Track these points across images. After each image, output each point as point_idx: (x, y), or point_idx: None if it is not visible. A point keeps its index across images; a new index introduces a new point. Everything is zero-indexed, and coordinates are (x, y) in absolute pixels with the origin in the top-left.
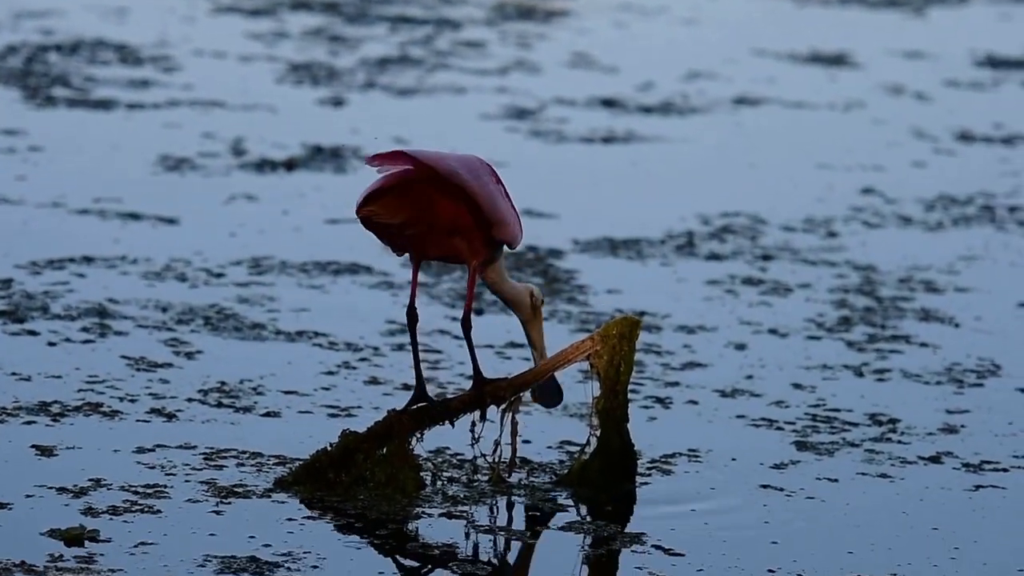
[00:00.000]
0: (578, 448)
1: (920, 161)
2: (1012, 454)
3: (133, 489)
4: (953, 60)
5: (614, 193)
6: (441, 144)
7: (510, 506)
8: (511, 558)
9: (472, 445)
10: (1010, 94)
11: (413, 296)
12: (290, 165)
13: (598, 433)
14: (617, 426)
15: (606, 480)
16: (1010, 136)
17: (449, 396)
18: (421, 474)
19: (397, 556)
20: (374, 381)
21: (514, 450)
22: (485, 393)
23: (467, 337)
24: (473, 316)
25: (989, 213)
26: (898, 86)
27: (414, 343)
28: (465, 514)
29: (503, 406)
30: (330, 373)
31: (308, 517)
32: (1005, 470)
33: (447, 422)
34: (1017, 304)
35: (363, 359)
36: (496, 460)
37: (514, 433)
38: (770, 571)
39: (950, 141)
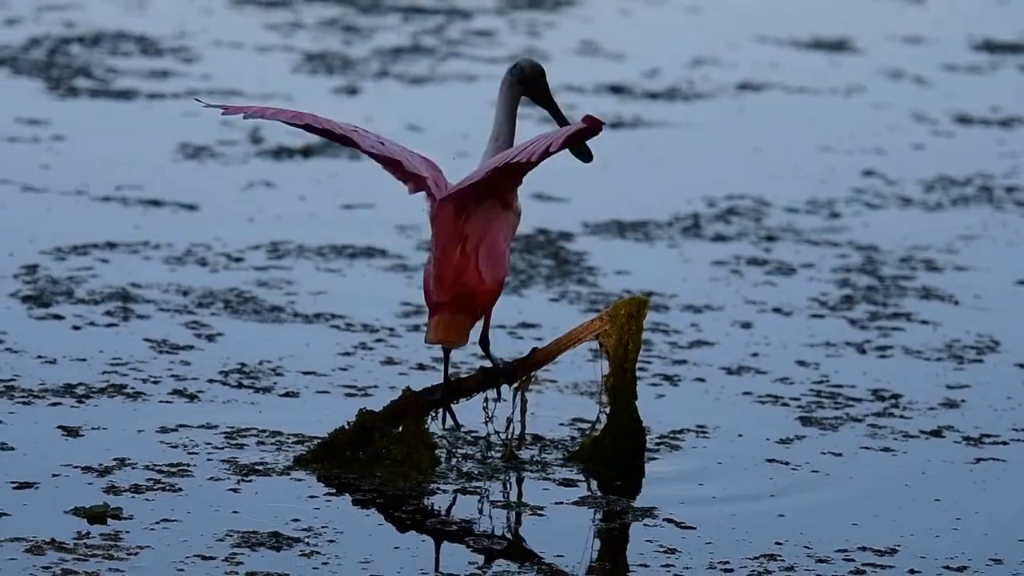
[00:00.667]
0: (588, 425)
1: (920, 144)
2: (1011, 427)
3: (157, 468)
4: (951, 45)
5: (622, 177)
6: (452, 129)
7: (522, 482)
8: (525, 533)
9: (486, 423)
10: (1007, 77)
11: None
12: (306, 152)
13: (608, 410)
14: (626, 403)
15: (616, 456)
16: (1007, 118)
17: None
18: (436, 452)
19: (413, 531)
20: (390, 361)
21: (523, 428)
22: (498, 372)
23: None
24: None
25: (987, 193)
26: (898, 71)
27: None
28: (479, 490)
29: (515, 385)
30: (347, 354)
31: (326, 494)
32: (1005, 443)
33: (459, 401)
34: (1015, 282)
35: (379, 340)
36: (509, 438)
37: (523, 411)
38: (777, 543)
39: (949, 124)
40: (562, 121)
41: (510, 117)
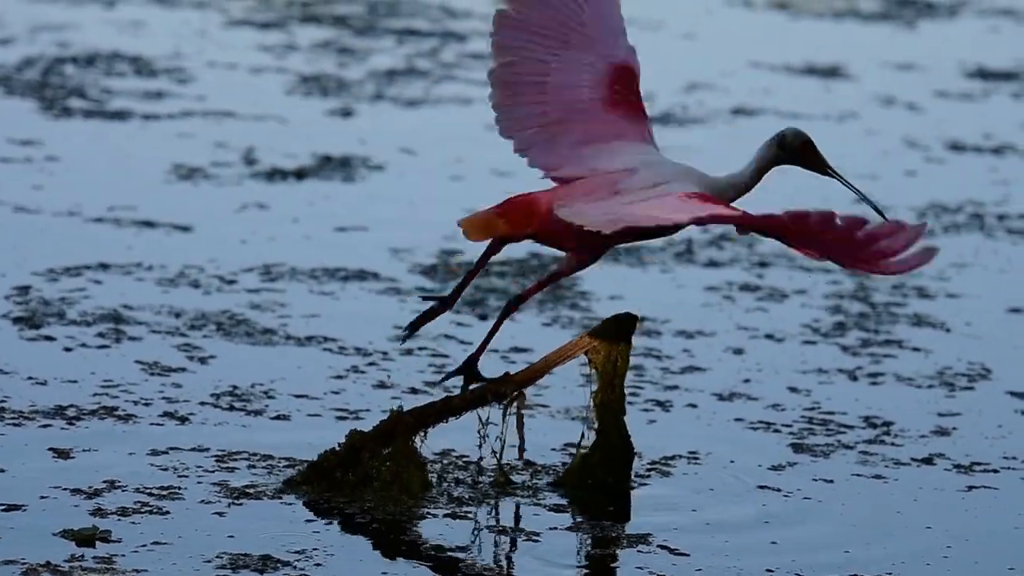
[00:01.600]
0: (579, 447)
1: (912, 170)
2: (1002, 455)
3: (147, 491)
4: (944, 72)
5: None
6: (446, 151)
7: (514, 507)
8: (517, 559)
9: (479, 446)
10: (999, 105)
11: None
12: (299, 174)
13: (596, 427)
14: (615, 420)
15: (606, 473)
16: (999, 146)
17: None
18: (427, 473)
19: (403, 557)
20: (382, 385)
21: (522, 443)
22: (487, 391)
23: (503, 315)
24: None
25: (979, 221)
26: (890, 97)
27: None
28: (470, 515)
29: (505, 403)
30: (339, 377)
31: (317, 517)
32: (995, 471)
33: (450, 419)
34: (1006, 309)
35: (371, 363)
36: (500, 459)
37: (520, 426)
38: (768, 571)
39: (941, 151)
40: (850, 189)
41: (757, 173)
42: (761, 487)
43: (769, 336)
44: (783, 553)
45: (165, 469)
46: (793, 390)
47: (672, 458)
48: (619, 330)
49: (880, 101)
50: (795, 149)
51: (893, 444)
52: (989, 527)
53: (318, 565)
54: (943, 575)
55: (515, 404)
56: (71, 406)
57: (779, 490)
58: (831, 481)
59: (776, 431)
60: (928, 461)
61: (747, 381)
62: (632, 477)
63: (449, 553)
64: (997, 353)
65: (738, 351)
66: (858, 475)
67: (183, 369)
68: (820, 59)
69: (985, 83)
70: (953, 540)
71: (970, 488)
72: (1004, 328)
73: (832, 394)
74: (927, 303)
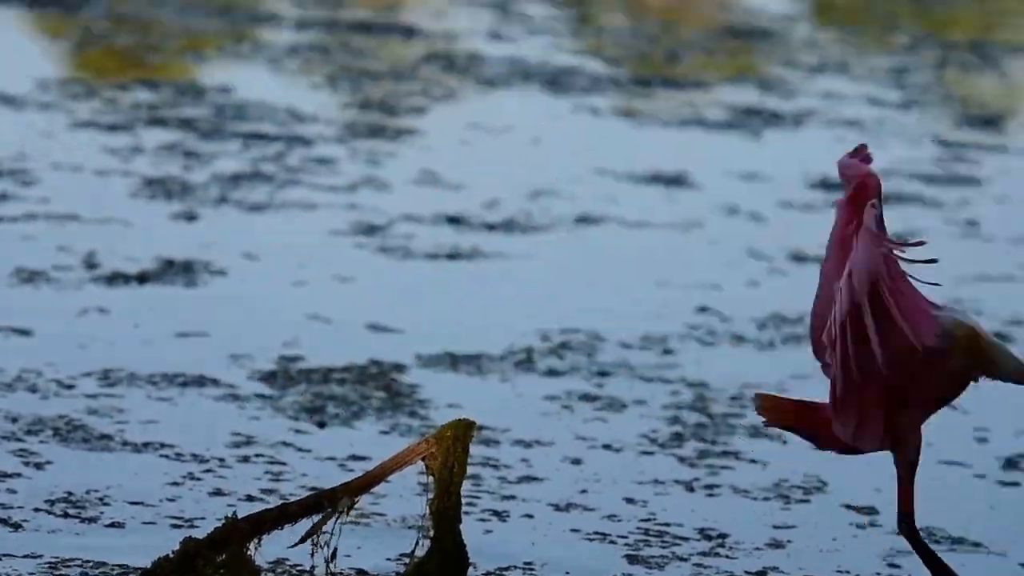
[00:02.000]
0: (413, 555)
1: (754, 280)
2: (836, 569)
3: None
4: (788, 182)
5: (457, 309)
6: (289, 257)
7: None
8: None
9: (311, 554)
10: None
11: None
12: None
13: (432, 534)
14: (450, 527)
15: None
16: None
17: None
18: None
19: None
20: (219, 492)
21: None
22: (322, 498)
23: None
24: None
25: None
26: (734, 206)
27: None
28: None
29: (340, 510)
30: (175, 484)
31: None
32: None
33: (285, 527)
34: None
35: (208, 470)
36: (332, 568)
37: (316, 537)
38: None
39: (783, 261)
40: None
41: None
42: None
43: (607, 446)
44: None
45: None
46: (630, 501)
47: (507, 568)
48: (456, 437)
49: (724, 210)
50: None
51: (728, 556)
52: None
53: None
54: None
55: (345, 512)
56: None
57: None
58: None
59: (612, 542)
60: (762, 574)
61: (584, 491)
62: None
63: None
64: (833, 466)
65: (576, 461)
66: None
67: (18, 475)
68: (665, 167)
69: (828, 193)
70: None
71: None
72: None
73: (668, 505)
74: None
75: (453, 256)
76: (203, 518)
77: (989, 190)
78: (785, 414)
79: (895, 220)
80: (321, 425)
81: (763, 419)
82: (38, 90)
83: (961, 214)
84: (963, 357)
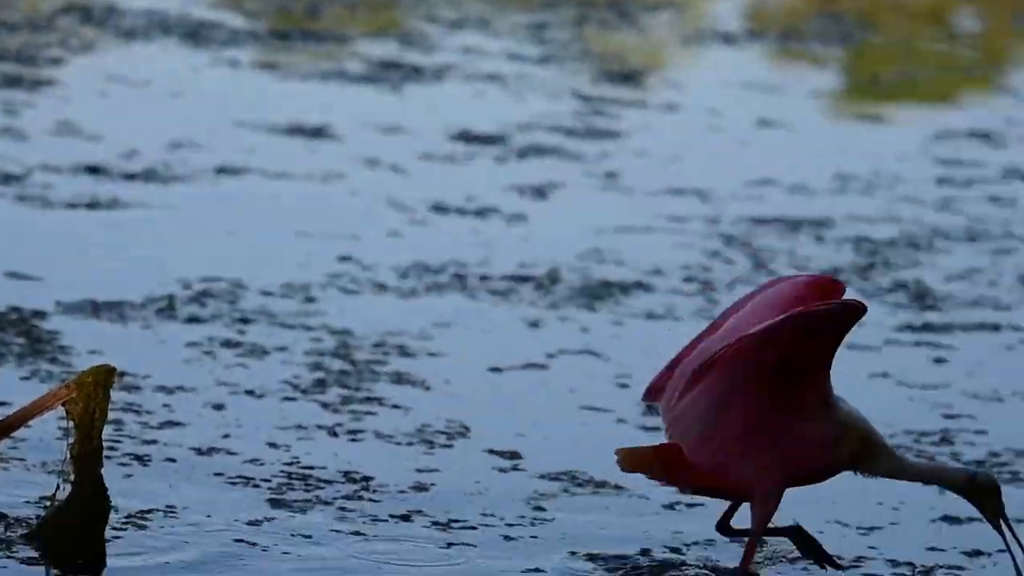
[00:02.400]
0: (53, 498)
1: (395, 231)
2: (479, 512)
3: None
4: (429, 135)
5: (98, 257)
6: None
7: None
8: None
9: None
10: (482, 168)
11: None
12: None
13: (72, 479)
14: (91, 472)
15: (81, 525)
16: (481, 208)
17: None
18: None
19: None
20: None
21: None
22: None
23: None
24: None
25: (461, 281)
26: (375, 158)
27: None
28: None
29: None
30: None
31: None
32: (474, 527)
33: None
34: (487, 368)
35: None
36: None
37: None
38: None
39: (425, 212)
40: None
41: (918, 475)
42: (237, 540)
43: (250, 392)
44: None
45: None
46: (272, 445)
47: (149, 511)
48: (97, 382)
49: (365, 162)
50: (982, 491)
51: (372, 500)
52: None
53: None
54: None
55: None
56: None
57: (255, 544)
58: (309, 536)
59: (255, 486)
60: (406, 518)
61: (227, 436)
62: (107, 530)
63: None
64: (476, 411)
65: (218, 407)
66: (336, 531)
67: None
68: (306, 119)
69: (468, 146)
70: None
71: (450, 545)
72: (484, 386)
73: (311, 449)
74: (408, 361)
75: (93, 205)
76: None
77: (628, 144)
78: (645, 461)
79: (536, 172)
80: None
81: (623, 469)
82: None
83: (601, 167)
84: (851, 448)
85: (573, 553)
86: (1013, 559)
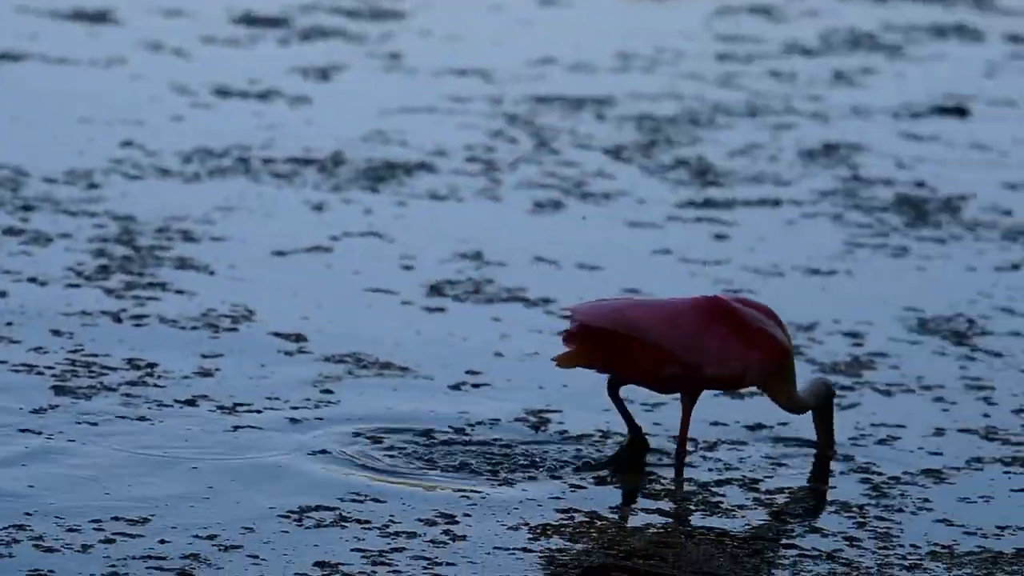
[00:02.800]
0: None
1: (179, 115)
2: (265, 396)
3: None
4: (211, 18)
5: None
6: None
7: None
8: None
9: None
10: (266, 51)
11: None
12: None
13: None
14: None
15: None
16: (265, 91)
17: None
18: None
19: None
20: None
21: None
22: None
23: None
24: None
25: (244, 165)
26: (157, 42)
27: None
28: None
29: None
30: None
31: None
32: (259, 411)
33: None
34: (270, 252)
35: None
36: None
37: None
38: (27, 513)
39: (208, 96)
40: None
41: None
42: (23, 430)
43: (32, 279)
44: (43, 496)
45: None
46: (56, 333)
47: None
48: None
49: (147, 46)
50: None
51: (156, 385)
52: (254, 463)
53: None
54: (201, 517)
55: None
56: None
57: (40, 433)
58: (95, 424)
59: (39, 373)
60: (191, 403)
61: (9, 324)
62: None
63: None
64: (260, 295)
65: (1, 294)
66: (122, 417)
67: None
68: (87, 4)
69: (252, 29)
70: (216, 481)
71: (236, 428)
72: (267, 270)
73: (96, 336)
74: (192, 246)
75: None
76: None
77: (411, 24)
78: (581, 357)
79: (319, 54)
80: None
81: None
82: None
83: (384, 48)
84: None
85: (357, 434)
86: (823, 442)
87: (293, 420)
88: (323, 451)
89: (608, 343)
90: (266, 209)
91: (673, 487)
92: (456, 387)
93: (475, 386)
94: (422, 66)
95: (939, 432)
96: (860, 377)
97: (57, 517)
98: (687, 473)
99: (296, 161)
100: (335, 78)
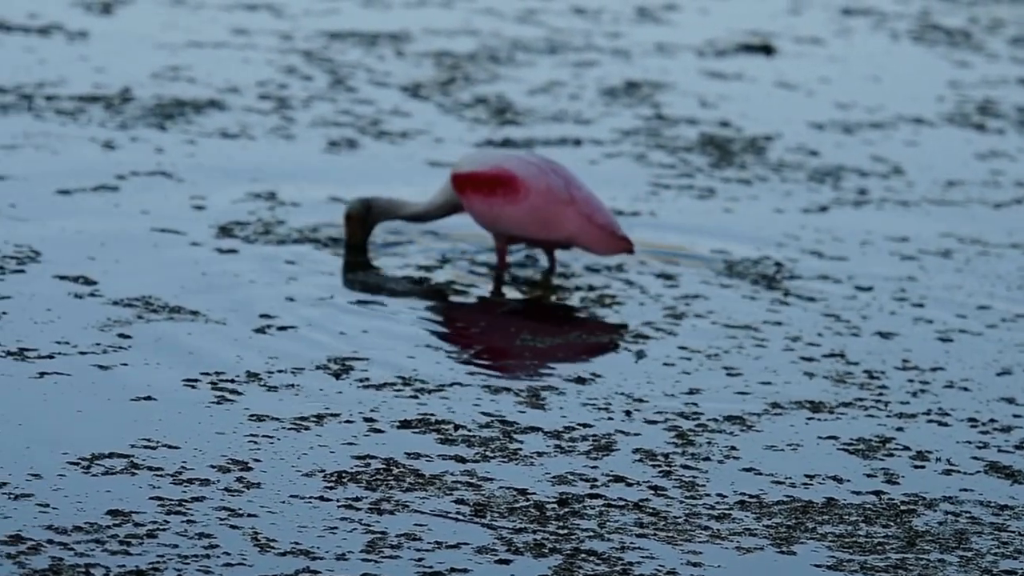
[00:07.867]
0: None
1: None
2: (54, 340)
3: None
4: None
5: None
6: None
7: None
8: None
9: None
10: None
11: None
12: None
13: None
14: None
15: None
16: (46, 26)
17: None
18: None
19: None
20: None
21: None
22: None
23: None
24: None
25: (27, 102)
26: None
27: None
28: None
29: None
30: None
31: None
32: (49, 356)
33: None
34: (55, 191)
35: None
36: None
37: None
38: None
39: None
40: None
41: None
42: None
43: None
44: None
45: None
46: None
47: None
48: None
49: None
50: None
51: None
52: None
53: None
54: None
55: None
56: None
57: None
58: None
59: None
60: None
61: None
62: None
63: None
64: (45, 235)
65: None
66: None
67: None
68: None
69: None
70: (6, 427)
71: (42, 375)
72: (52, 210)
73: None
74: None
75: None
76: None
77: None
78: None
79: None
80: None
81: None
82: None
83: None
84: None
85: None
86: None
87: (97, 366)
88: (122, 399)
89: None
90: (51, 147)
91: (470, 438)
92: (261, 330)
93: (280, 328)
94: (209, 1)
95: (742, 377)
96: (673, 322)
97: None
98: (486, 424)
99: (81, 99)
100: (119, 12)
